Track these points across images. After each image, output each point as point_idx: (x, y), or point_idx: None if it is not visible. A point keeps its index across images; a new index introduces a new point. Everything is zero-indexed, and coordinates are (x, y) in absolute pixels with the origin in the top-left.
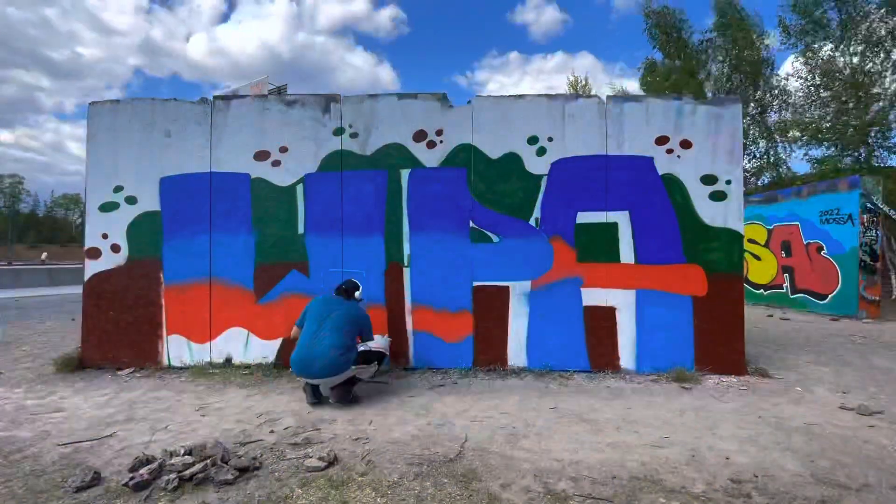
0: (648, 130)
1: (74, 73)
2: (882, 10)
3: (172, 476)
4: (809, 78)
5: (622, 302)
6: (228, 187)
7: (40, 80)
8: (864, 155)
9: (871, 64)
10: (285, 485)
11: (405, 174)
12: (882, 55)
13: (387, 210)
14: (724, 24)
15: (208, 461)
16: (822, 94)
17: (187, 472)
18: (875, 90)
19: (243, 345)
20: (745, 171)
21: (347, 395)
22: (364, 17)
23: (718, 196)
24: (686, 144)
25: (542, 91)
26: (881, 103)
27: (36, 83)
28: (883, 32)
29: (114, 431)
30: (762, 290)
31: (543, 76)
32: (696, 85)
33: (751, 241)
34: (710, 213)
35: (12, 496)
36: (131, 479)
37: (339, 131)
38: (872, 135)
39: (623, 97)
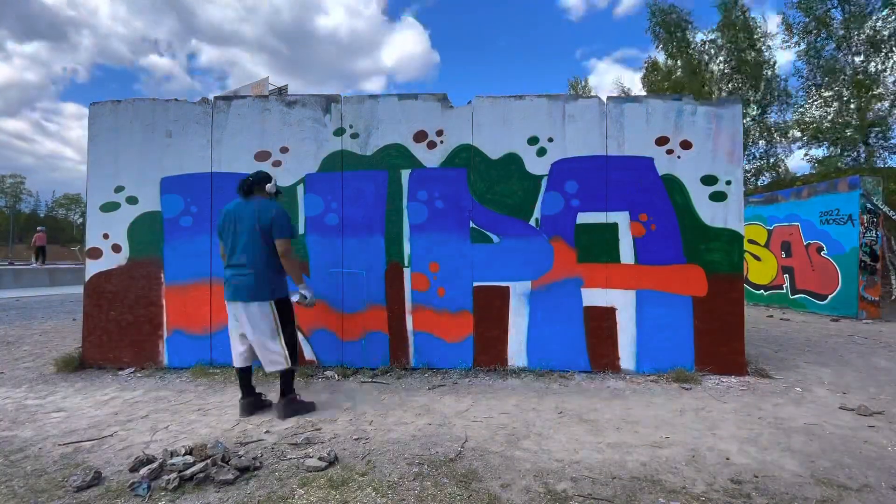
0: (648, 131)
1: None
2: (886, 10)
3: (173, 476)
4: (811, 77)
5: (622, 302)
6: (229, 187)
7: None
8: (864, 155)
9: (873, 64)
10: (286, 485)
11: (405, 174)
12: (885, 55)
13: (387, 210)
14: (726, 24)
15: (209, 461)
16: (824, 94)
17: (188, 472)
18: (877, 91)
19: None
20: (745, 171)
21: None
22: None
23: (718, 196)
24: (686, 145)
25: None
26: (883, 104)
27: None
28: (886, 33)
29: (114, 431)
30: (762, 291)
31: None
32: (697, 84)
33: (751, 241)
34: (710, 214)
35: (13, 495)
36: (135, 483)
37: (339, 132)
38: (873, 135)
39: (623, 98)
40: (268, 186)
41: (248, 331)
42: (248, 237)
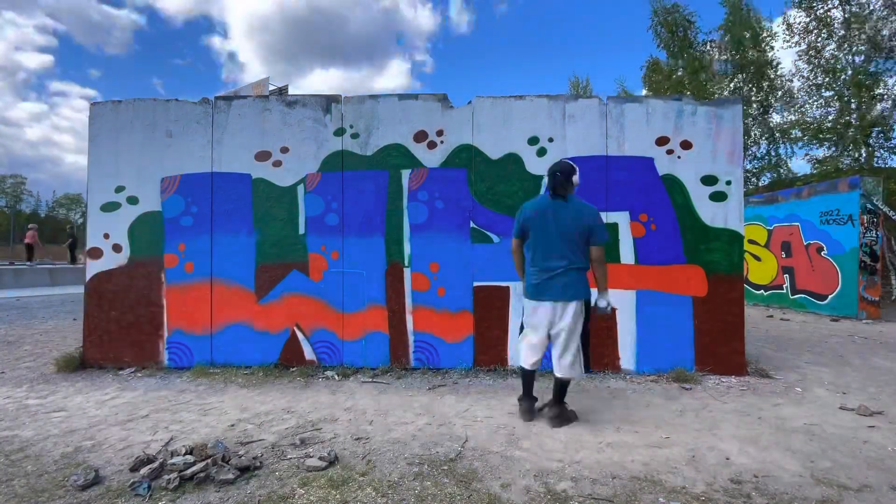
0: (649, 131)
1: None
2: (886, 10)
3: (173, 475)
4: (812, 77)
5: (622, 302)
6: (229, 187)
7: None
8: (864, 155)
9: (874, 64)
10: (286, 484)
11: (406, 174)
12: (885, 55)
13: (387, 210)
14: (731, 23)
15: (209, 460)
16: (825, 94)
17: (188, 472)
18: (878, 91)
19: (244, 345)
20: (746, 171)
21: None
22: None
23: (719, 197)
24: (686, 145)
25: None
26: (884, 104)
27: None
28: (886, 33)
29: (115, 431)
30: (762, 291)
31: None
32: (698, 84)
33: (751, 241)
34: (711, 214)
35: (14, 495)
36: (136, 482)
37: (339, 132)
38: (874, 135)
39: (623, 98)
40: (574, 178)
41: (565, 332)
42: (567, 240)
